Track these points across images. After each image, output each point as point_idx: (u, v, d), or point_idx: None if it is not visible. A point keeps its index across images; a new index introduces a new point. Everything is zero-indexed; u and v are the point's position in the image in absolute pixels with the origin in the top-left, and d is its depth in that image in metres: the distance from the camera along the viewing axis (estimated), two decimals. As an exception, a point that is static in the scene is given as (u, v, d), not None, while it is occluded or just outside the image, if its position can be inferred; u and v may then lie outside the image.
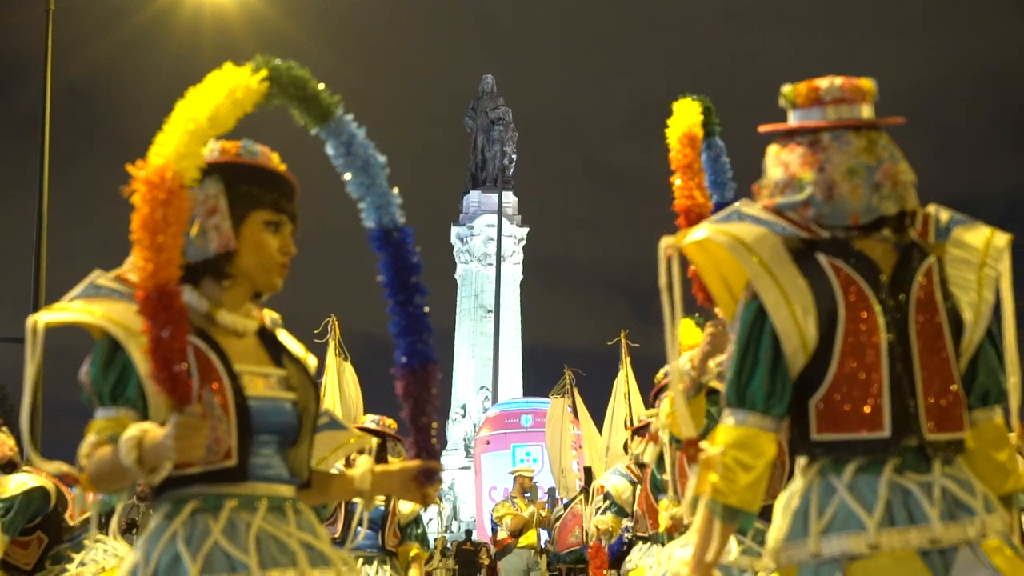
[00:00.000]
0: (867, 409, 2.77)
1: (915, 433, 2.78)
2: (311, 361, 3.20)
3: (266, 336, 3.11)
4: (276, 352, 3.09)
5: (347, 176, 3.07)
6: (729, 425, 2.83)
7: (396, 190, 3.09)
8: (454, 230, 57.37)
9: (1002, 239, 2.95)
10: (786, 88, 2.97)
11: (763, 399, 2.81)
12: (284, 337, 3.17)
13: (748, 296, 2.86)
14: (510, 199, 55.66)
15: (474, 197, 57.51)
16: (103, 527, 5.37)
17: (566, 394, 17.64)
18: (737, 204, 2.93)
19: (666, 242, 2.91)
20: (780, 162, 2.93)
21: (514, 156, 58.15)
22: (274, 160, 3.03)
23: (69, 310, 2.86)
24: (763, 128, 3.00)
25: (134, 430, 2.64)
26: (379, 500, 7.19)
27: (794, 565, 2.80)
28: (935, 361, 2.82)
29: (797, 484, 2.87)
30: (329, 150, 3.05)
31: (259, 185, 2.97)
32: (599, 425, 15.91)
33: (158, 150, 2.68)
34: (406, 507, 7.44)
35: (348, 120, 3.03)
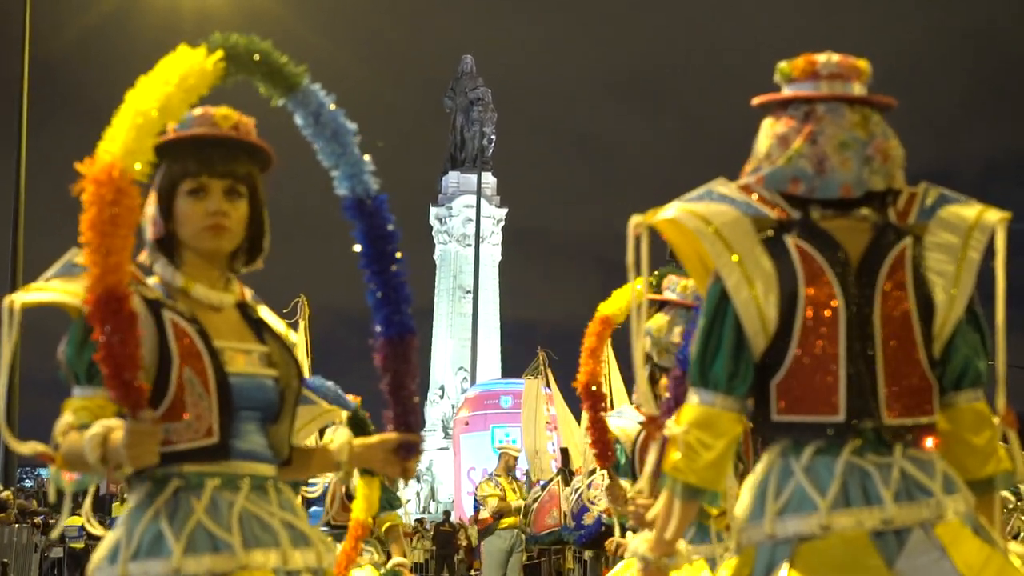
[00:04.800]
0: (822, 392, 2.78)
1: (873, 417, 2.78)
2: (292, 338, 3.18)
3: (246, 312, 3.09)
4: (257, 328, 3.07)
5: (317, 146, 3.01)
6: (692, 404, 2.85)
7: (368, 157, 3.03)
8: (433, 211, 57.44)
9: (994, 216, 2.91)
10: (782, 64, 2.95)
11: (726, 380, 2.82)
12: (265, 313, 3.15)
13: (713, 277, 2.86)
14: (489, 179, 55.70)
15: (453, 178, 57.57)
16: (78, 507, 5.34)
17: (540, 375, 17.66)
18: (712, 183, 2.91)
19: (635, 220, 2.90)
20: (773, 134, 2.92)
21: (493, 136, 58.23)
22: (212, 118, 2.97)
23: (46, 290, 2.84)
24: (757, 100, 2.98)
25: (98, 427, 2.61)
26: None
27: (752, 546, 2.81)
28: (900, 345, 2.81)
29: (760, 465, 2.88)
30: (298, 120, 3.00)
31: (179, 158, 2.95)
32: (574, 405, 15.92)
33: (106, 146, 2.63)
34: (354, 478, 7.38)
35: (315, 89, 2.98)
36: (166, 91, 2.68)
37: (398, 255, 3.05)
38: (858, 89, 2.91)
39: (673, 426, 2.84)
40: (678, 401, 4.73)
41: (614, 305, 5.62)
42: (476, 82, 59.07)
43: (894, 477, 2.75)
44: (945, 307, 2.84)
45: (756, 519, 2.80)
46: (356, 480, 7.32)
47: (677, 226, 2.88)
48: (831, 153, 2.84)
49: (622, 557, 5.22)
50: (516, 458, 15.93)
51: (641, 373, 3.00)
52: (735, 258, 2.80)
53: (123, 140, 2.63)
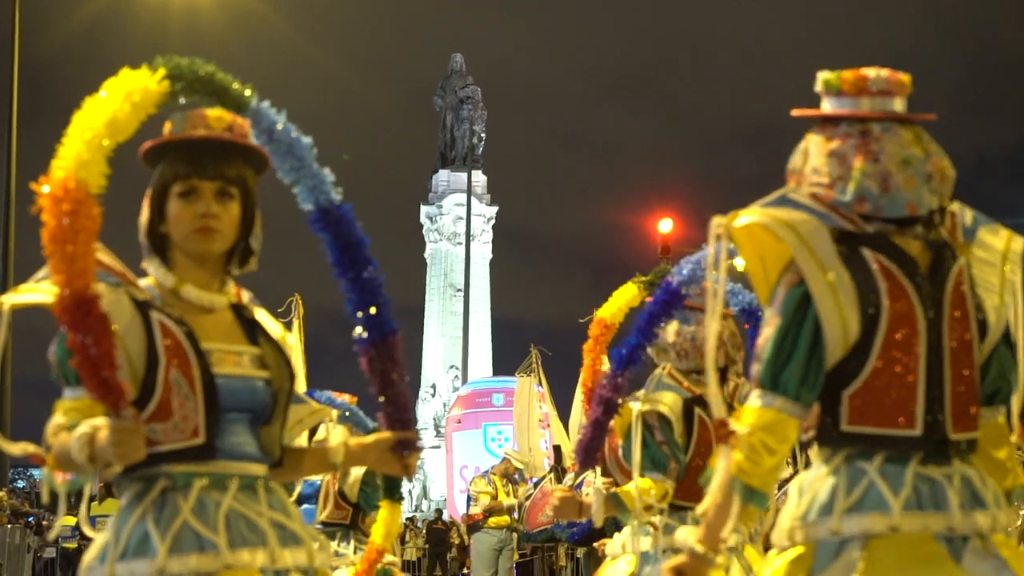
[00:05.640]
0: (899, 405, 2.80)
1: (941, 431, 2.81)
2: (289, 340, 3.19)
3: (241, 313, 3.10)
4: (251, 330, 3.09)
5: (275, 163, 3.03)
6: (757, 407, 2.84)
7: (328, 169, 3.05)
8: (423, 209, 57.41)
9: (1019, 243, 2.97)
10: (828, 75, 2.95)
11: (796, 385, 2.81)
12: (261, 316, 3.17)
13: (793, 280, 2.84)
14: (479, 178, 55.67)
15: (443, 176, 57.54)
16: (73, 508, 5.35)
17: (532, 372, 17.67)
18: (784, 190, 2.93)
19: (717, 221, 2.88)
20: (827, 151, 2.92)
21: (483, 135, 58.19)
22: (205, 120, 2.98)
23: (36, 291, 2.85)
24: (799, 112, 2.99)
25: (85, 427, 2.64)
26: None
27: (811, 543, 2.82)
28: (963, 361, 2.85)
29: (819, 470, 2.88)
30: (253, 140, 3.01)
31: (171, 160, 2.98)
32: (567, 401, 15.91)
33: (59, 163, 2.65)
34: (348, 477, 7.40)
35: (265, 108, 2.98)
36: (112, 107, 2.71)
37: (370, 259, 3.07)
38: (900, 104, 2.93)
39: (737, 426, 2.84)
40: (608, 400, 4.79)
41: (611, 307, 5.79)
42: (466, 80, 59.05)
43: (956, 485, 2.79)
44: (994, 326, 2.90)
45: (820, 516, 2.81)
46: (351, 479, 7.35)
47: (754, 230, 2.87)
48: (895, 171, 2.86)
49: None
50: (518, 470, 15.94)
51: (713, 377, 2.98)
52: (821, 266, 2.81)
53: (75, 154, 2.65)
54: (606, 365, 5.36)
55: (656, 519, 4.80)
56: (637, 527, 4.86)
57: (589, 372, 5.71)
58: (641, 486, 4.71)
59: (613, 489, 4.88)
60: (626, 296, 5.79)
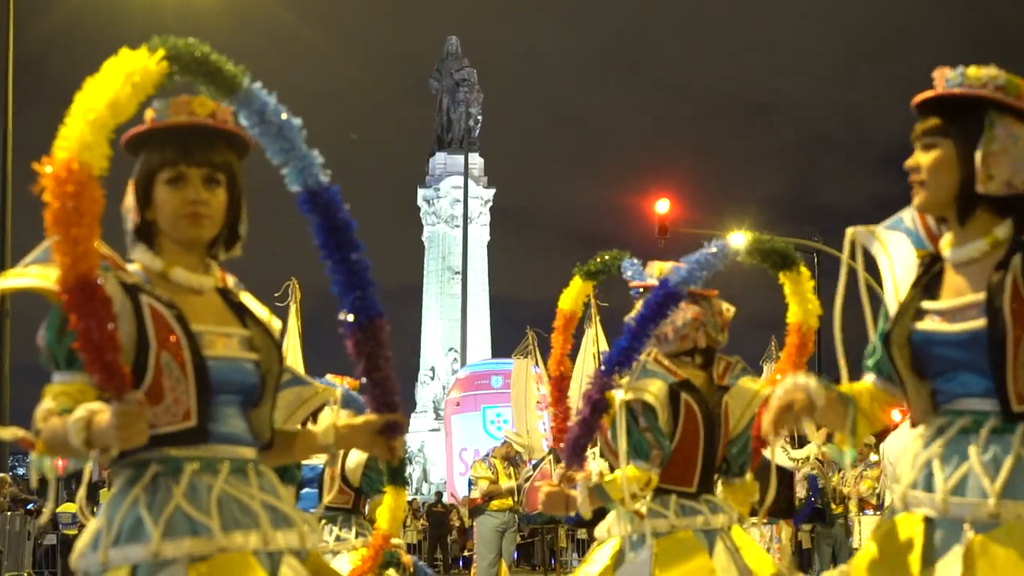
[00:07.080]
0: None
1: None
2: (275, 324, 3.20)
3: (228, 297, 3.11)
4: (239, 312, 3.09)
5: (264, 144, 3.02)
6: None
7: (316, 152, 3.04)
8: (420, 192, 57.39)
9: None
10: None
11: None
12: (247, 299, 3.17)
13: None
14: (476, 160, 55.66)
15: (440, 159, 57.51)
16: (71, 494, 5.33)
17: (529, 354, 17.68)
18: None
19: None
20: None
21: (479, 117, 58.16)
22: (189, 107, 2.98)
23: (25, 275, 2.85)
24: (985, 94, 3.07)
25: (82, 411, 2.62)
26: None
27: None
28: None
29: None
30: (243, 121, 3.00)
31: (157, 147, 2.98)
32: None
33: (61, 143, 2.64)
34: (351, 461, 7.41)
35: (256, 89, 2.96)
36: (114, 88, 2.69)
37: (357, 242, 3.07)
38: None
39: None
40: (597, 401, 4.78)
41: (567, 300, 6.05)
42: (461, 63, 58.98)
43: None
44: None
45: None
46: (352, 463, 7.34)
47: None
48: None
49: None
50: (519, 453, 15.98)
51: None
52: None
53: (77, 136, 2.63)
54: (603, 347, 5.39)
55: (642, 507, 4.79)
56: (623, 512, 4.86)
57: (556, 360, 6.04)
58: (628, 474, 4.70)
59: (596, 480, 4.87)
60: (577, 286, 6.01)
